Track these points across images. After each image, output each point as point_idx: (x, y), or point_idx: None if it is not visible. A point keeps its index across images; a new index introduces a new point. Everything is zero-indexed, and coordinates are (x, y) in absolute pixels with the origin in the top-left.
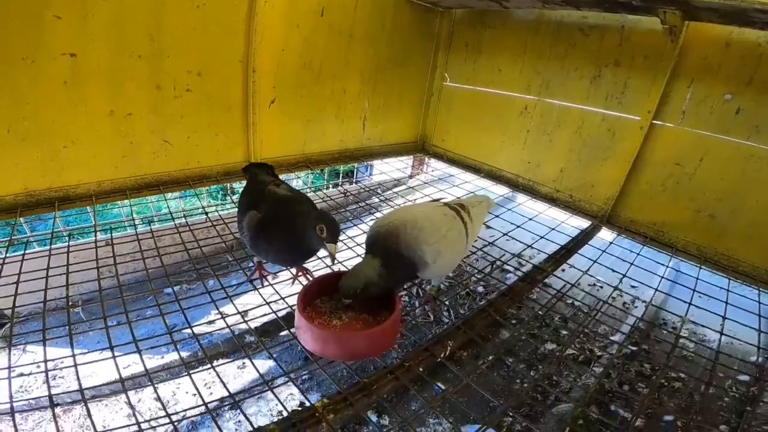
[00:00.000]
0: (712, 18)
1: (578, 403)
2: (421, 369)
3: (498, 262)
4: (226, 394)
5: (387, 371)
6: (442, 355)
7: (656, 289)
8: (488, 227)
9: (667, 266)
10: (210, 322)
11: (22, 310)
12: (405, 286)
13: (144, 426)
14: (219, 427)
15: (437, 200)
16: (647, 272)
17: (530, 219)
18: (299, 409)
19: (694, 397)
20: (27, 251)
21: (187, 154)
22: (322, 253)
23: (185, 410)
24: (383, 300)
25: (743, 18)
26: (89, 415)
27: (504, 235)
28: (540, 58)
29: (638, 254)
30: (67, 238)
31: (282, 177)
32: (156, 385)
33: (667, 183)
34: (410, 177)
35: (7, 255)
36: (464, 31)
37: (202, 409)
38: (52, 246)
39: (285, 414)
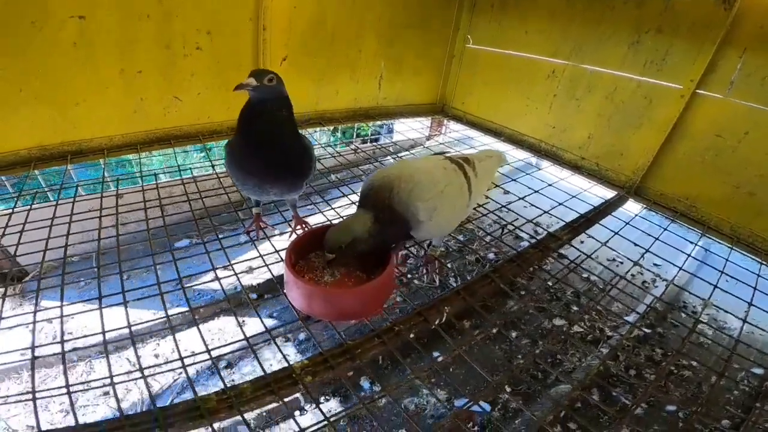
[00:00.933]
0: None
1: (578, 385)
2: (412, 335)
3: (510, 227)
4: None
5: (374, 335)
6: (437, 322)
7: (680, 268)
8: (506, 192)
9: (696, 244)
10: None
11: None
12: (408, 245)
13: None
14: (193, 387)
15: (442, 153)
16: (673, 249)
17: (550, 185)
18: (276, 369)
19: (702, 388)
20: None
21: (197, 109)
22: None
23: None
24: (381, 258)
25: None
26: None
27: (520, 199)
28: (571, 22)
29: (665, 229)
30: (75, 189)
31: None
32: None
33: (705, 155)
34: (428, 138)
35: (34, 204)
36: None
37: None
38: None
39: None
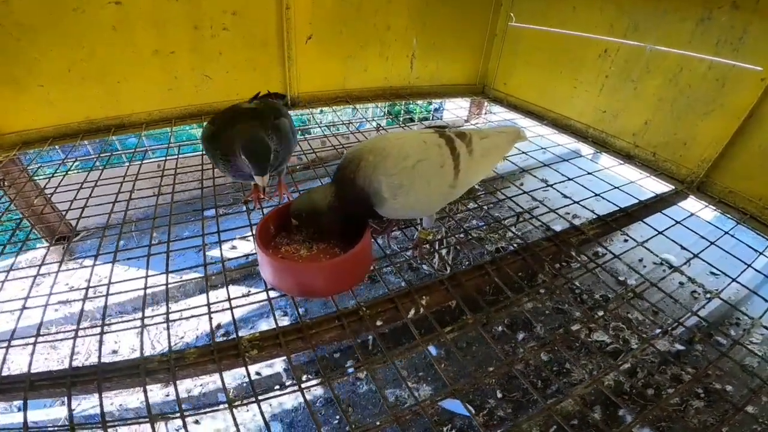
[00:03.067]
0: None
1: (580, 400)
2: (380, 323)
3: (526, 215)
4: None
5: (335, 317)
6: (410, 314)
7: (733, 279)
8: (543, 180)
9: (763, 254)
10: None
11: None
12: (403, 226)
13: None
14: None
15: (440, 127)
16: (733, 258)
17: (589, 173)
18: (223, 339)
19: (727, 415)
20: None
21: (227, 87)
22: None
23: None
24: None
25: None
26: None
27: (548, 185)
28: None
29: (726, 233)
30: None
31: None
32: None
33: None
34: (466, 121)
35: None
36: None
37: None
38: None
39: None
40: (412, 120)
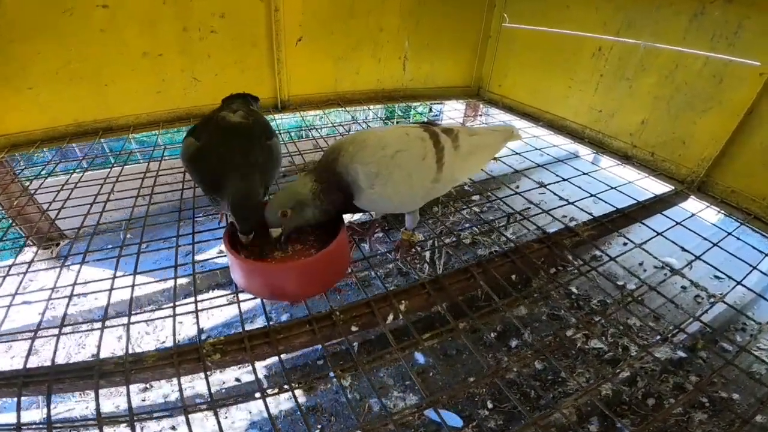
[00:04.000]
0: None
1: (575, 411)
2: (355, 328)
3: (517, 216)
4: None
5: (305, 320)
6: (388, 319)
7: (738, 282)
8: (532, 179)
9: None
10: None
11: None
12: (387, 228)
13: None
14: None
15: (430, 123)
16: (738, 260)
17: (585, 173)
18: (185, 342)
19: (733, 426)
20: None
21: (216, 90)
22: None
23: None
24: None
25: None
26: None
27: (542, 186)
28: None
29: (729, 234)
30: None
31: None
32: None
33: None
34: (462, 124)
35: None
36: None
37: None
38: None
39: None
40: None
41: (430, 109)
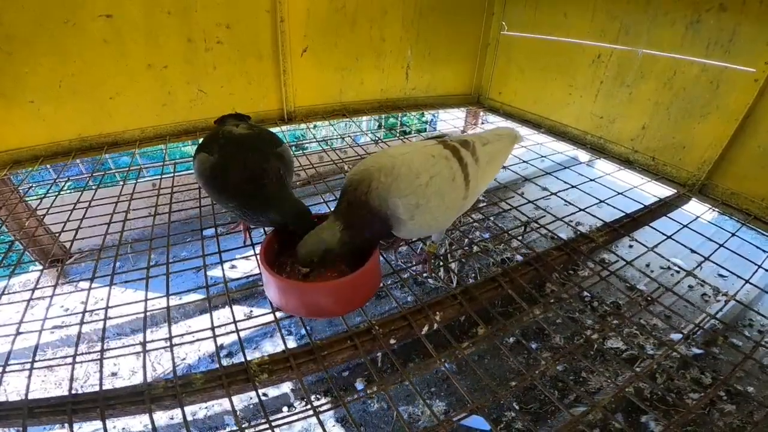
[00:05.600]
0: None
1: (600, 408)
2: (393, 341)
3: (534, 224)
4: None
5: (346, 336)
6: (424, 330)
7: (746, 281)
8: (543, 188)
9: None
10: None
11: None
12: (411, 241)
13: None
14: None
15: (439, 137)
16: (742, 259)
17: (591, 180)
18: (231, 363)
19: (753, 417)
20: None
21: (222, 102)
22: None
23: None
24: (370, 252)
25: None
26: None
27: (552, 194)
28: (617, 1)
29: (733, 234)
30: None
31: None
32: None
33: None
34: (462, 132)
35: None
36: None
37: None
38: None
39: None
40: (407, 133)
41: (423, 114)
